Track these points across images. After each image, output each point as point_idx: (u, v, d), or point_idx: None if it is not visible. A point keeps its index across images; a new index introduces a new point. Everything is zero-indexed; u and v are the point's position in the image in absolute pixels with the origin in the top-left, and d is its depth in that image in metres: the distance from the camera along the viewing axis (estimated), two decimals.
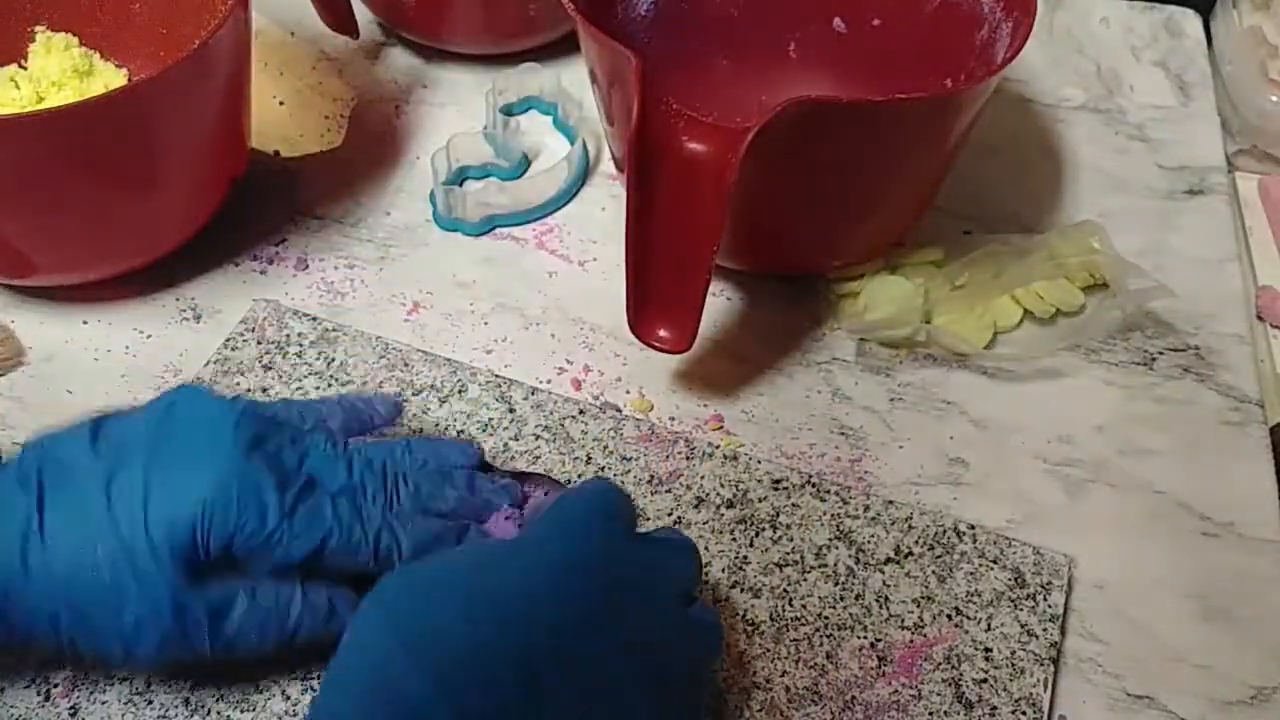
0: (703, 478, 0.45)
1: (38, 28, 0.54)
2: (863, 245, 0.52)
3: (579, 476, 0.45)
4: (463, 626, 0.31)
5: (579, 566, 0.33)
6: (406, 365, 0.49)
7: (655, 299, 0.44)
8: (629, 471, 0.46)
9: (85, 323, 0.51)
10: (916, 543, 0.44)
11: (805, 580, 0.43)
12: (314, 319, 0.51)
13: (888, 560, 0.43)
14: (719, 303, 0.53)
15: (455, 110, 0.63)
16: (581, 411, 0.47)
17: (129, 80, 0.55)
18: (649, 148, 0.41)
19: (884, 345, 0.51)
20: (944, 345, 0.51)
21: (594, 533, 0.34)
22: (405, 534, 0.37)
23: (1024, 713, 0.39)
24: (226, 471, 0.34)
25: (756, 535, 0.44)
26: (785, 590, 0.42)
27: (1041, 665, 0.40)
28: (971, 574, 0.43)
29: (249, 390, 0.48)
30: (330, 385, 0.48)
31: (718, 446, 0.47)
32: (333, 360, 0.49)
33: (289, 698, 0.39)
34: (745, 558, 0.43)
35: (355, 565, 0.36)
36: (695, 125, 0.42)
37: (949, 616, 0.42)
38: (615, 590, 0.33)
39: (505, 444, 0.46)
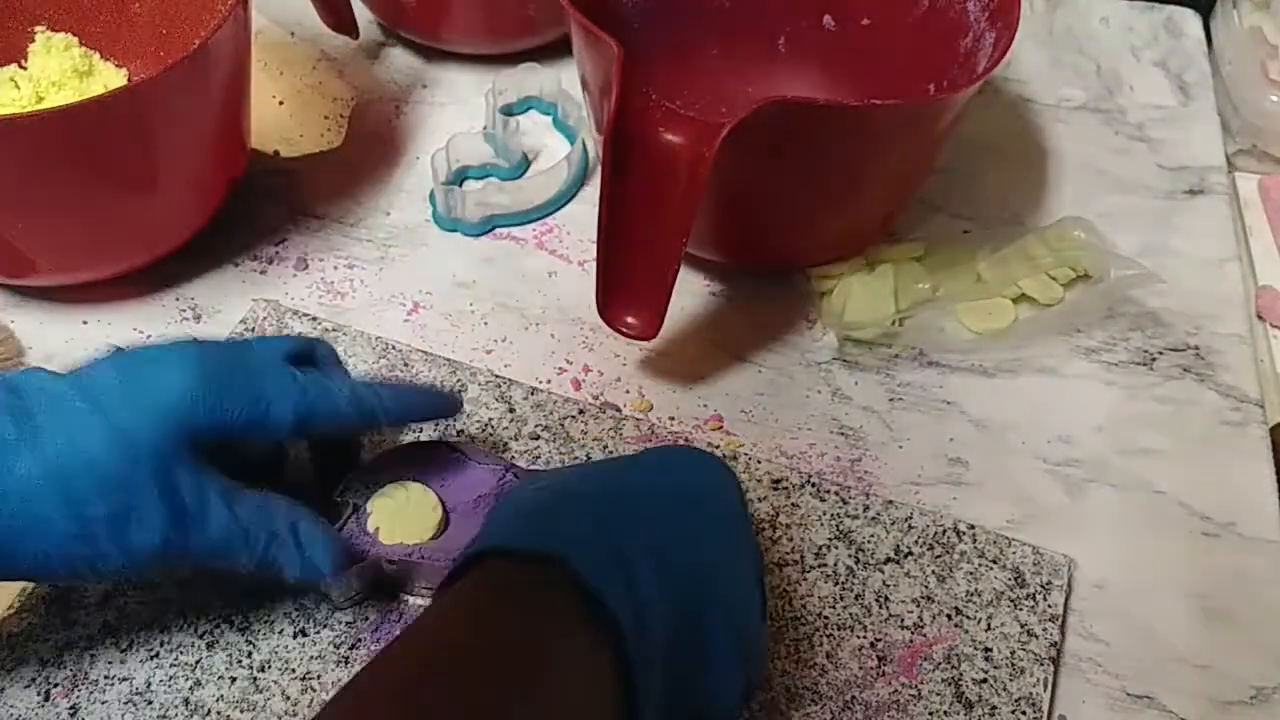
0: None
1: (38, 28, 0.54)
2: (837, 243, 0.52)
3: None
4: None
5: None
6: (406, 365, 0.49)
7: (624, 286, 0.45)
8: None
9: (85, 323, 0.51)
10: (916, 543, 0.44)
11: (805, 580, 0.43)
12: (314, 319, 0.51)
13: (887, 560, 0.43)
14: (719, 302, 0.53)
15: (455, 110, 0.63)
16: (581, 411, 0.47)
17: (129, 80, 0.55)
18: (626, 136, 0.42)
19: (860, 343, 0.51)
20: (918, 343, 0.51)
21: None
22: (383, 391, 0.39)
23: (1024, 713, 0.39)
24: (199, 363, 0.35)
25: (756, 535, 0.44)
26: (785, 590, 0.42)
27: (1041, 665, 0.40)
28: (971, 574, 0.43)
29: None
30: None
31: (717, 446, 0.47)
32: None
33: (289, 698, 0.39)
34: None
35: (340, 422, 0.38)
36: (672, 117, 0.42)
37: (949, 616, 0.42)
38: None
39: (505, 443, 0.46)
